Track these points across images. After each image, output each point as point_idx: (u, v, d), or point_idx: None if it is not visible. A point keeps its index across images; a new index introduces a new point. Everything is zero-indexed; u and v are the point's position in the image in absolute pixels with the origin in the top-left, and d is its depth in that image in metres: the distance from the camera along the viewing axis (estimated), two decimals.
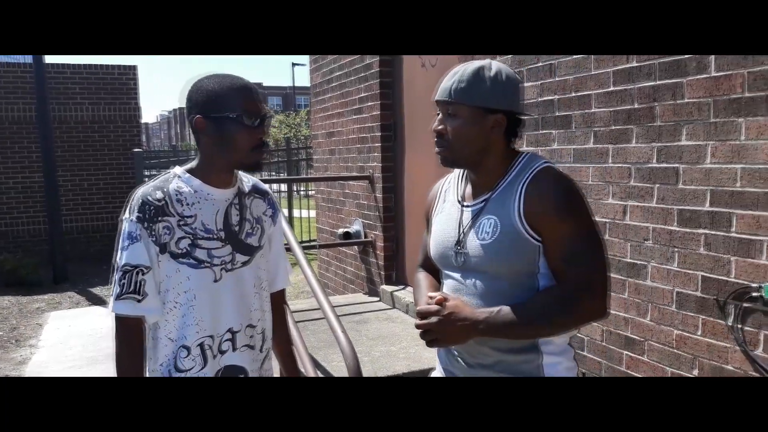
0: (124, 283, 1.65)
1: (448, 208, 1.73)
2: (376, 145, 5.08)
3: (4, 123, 9.37)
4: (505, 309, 1.50)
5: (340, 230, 5.57)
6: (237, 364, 1.75)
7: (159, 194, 1.68)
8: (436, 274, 1.81)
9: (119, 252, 1.67)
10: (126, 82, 10.35)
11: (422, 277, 1.86)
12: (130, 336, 1.70)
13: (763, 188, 2.17)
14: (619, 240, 2.76)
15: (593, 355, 2.93)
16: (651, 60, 2.55)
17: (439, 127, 1.62)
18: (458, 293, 1.64)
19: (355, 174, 5.47)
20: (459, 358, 1.66)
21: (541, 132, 3.18)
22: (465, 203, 1.67)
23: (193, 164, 1.74)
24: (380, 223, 5.05)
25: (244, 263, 1.76)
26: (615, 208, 2.77)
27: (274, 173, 15.80)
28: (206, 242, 1.70)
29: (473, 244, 1.61)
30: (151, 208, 1.65)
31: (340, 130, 5.80)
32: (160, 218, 1.66)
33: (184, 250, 1.68)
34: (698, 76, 2.37)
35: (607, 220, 2.81)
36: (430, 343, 1.59)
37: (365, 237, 5.33)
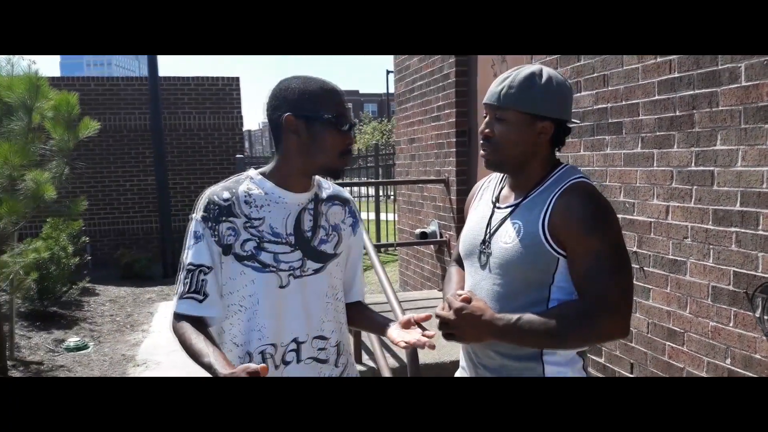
0: (187, 282, 1.58)
1: (482, 206, 1.74)
2: (452, 150, 5.40)
3: (123, 131, 10.38)
4: (525, 318, 1.50)
5: (417, 230, 5.92)
6: (301, 376, 1.63)
7: (226, 194, 1.61)
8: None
9: (185, 251, 1.60)
10: (229, 92, 11.15)
11: (454, 272, 1.88)
12: (189, 328, 1.56)
13: None
14: (663, 238, 2.95)
15: (640, 346, 3.13)
16: (690, 71, 2.74)
17: (486, 130, 1.60)
18: (475, 291, 1.64)
19: (432, 178, 5.81)
20: (471, 356, 1.70)
21: (596, 137, 3.41)
22: (498, 204, 1.67)
23: (269, 167, 1.67)
24: (454, 224, 5.36)
25: (316, 270, 1.65)
26: (659, 209, 2.97)
27: (364, 177, 16.37)
28: (273, 246, 1.60)
29: (497, 245, 1.60)
30: (216, 207, 1.59)
31: (420, 136, 6.16)
32: (224, 218, 1.58)
33: (249, 253, 1.58)
34: (730, 86, 2.55)
35: (652, 220, 3.01)
36: (446, 336, 1.59)
37: (441, 237, 5.66)
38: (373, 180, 12.43)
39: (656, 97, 2.95)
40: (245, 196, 1.61)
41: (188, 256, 1.58)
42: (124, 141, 10.42)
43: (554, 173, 1.60)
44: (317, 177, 1.71)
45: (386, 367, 3.09)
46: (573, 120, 1.65)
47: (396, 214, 7.72)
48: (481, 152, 1.65)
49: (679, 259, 2.86)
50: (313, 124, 1.56)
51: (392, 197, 15.61)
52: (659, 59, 2.92)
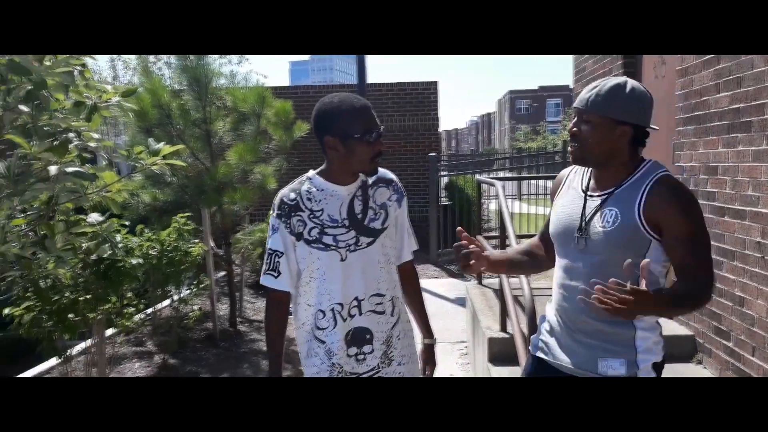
0: (268, 262, 2.04)
1: (572, 194, 1.98)
2: None
3: None
4: (668, 297, 1.73)
5: None
6: (363, 326, 2.06)
7: (293, 195, 2.03)
8: (541, 245, 2.16)
9: (267, 240, 2.08)
10: (428, 96, 12.06)
11: (525, 242, 2.26)
12: (273, 303, 2.10)
13: None
14: None
15: (761, 331, 3.33)
16: None
17: (574, 129, 1.88)
18: (570, 272, 1.91)
19: None
20: (566, 325, 1.95)
21: (730, 135, 3.63)
22: (589, 193, 1.91)
23: (322, 168, 2.07)
24: None
25: (369, 244, 2.04)
26: None
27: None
28: (332, 230, 2.00)
29: (595, 230, 1.84)
30: (286, 206, 2.02)
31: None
32: (293, 213, 2.00)
33: (315, 237, 2.00)
34: None
35: None
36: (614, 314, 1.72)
37: None
38: (543, 174, 12.58)
39: None
40: (307, 194, 2.04)
41: (268, 244, 2.08)
42: None
43: (641, 168, 1.86)
44: None
45: (520, 333, 3.62)
46: (651, 126, 1.88)
47: None
48: (569, 148, 1.94)
49: None
50: (346, 141, 1.95)
51: None
52: None
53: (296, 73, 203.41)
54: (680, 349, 4.03)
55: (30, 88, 2.14)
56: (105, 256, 2.61)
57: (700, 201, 3.89)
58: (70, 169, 2.05)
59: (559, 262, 1.98)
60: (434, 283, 8.27)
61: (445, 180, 11.73)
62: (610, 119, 1.81)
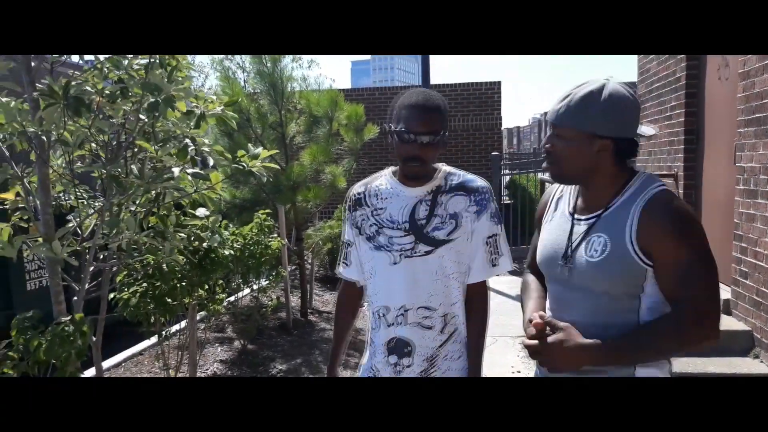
0: (341, 252, 2.07)
1: (558, 217, 1.74)
2: (680, 147, 5.79)
3: None
4: (619, 343, 1.49)
5: None
6: (405, 337, 1.89)
7: (360, 189, 2.01)
8: (542, 278, 1.82)
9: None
10: (491, 95, 12.24)
11: (531, 281, 1.89)
12: (342, 291, 2.13)
13: None
14: None
15: None
16: None
17: (547, 146, 1.64)
18: (560, 304, 1.67)
19: (663, 172, 6.21)
20: None
21: None
22: (576, 216, 1.66)
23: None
24: None
25: (427, 252, 1.86)
26: None
27: None
28: (389, 231, 1.90)
29: (581, 260, 1.59)
30: (353, 199, 2.01)
31: (655, 134, 6.57)
32: (358, 207, 1.98)
33: (371, 235, 1.93)
34: None
35: None
36: (542, 363, 1.60)
37: None
38: None
39: None
40: (375, 190, 1.98)
41: (342, 234, 2.11)
42: None
43: (631, 184, 1.59)
44: (447, 169, 1.95)
45: None
46: (639, 133, 1.60)
47: None
48: (544, 165, 1.70)
49: None
50: (392, 135, 1.85)
51: None
52: None
53: (357, 73, 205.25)
54: (737, 343, 4.15)
55: (154, 101, 2.51)
56: (215, 245, 2.99)
57: (760, 201, 4.02)
58: (190, 170, 2.41)
59: (549, 292, 1.76)
60: (496, 281, 8.45)
61: (506, 178, 11.89)
62: (586, 133, 1.56)
